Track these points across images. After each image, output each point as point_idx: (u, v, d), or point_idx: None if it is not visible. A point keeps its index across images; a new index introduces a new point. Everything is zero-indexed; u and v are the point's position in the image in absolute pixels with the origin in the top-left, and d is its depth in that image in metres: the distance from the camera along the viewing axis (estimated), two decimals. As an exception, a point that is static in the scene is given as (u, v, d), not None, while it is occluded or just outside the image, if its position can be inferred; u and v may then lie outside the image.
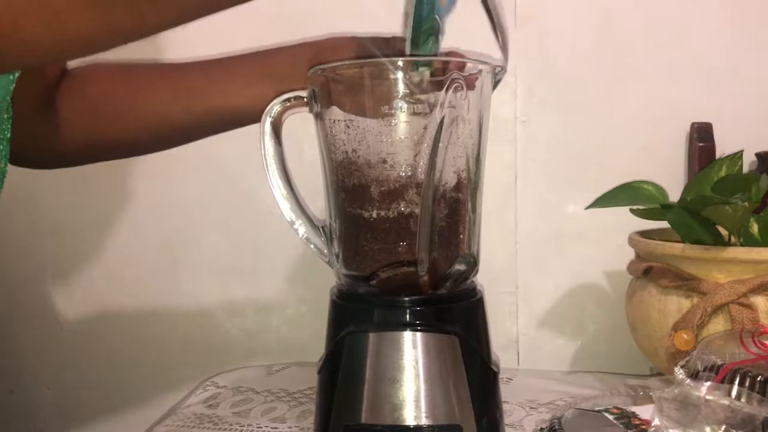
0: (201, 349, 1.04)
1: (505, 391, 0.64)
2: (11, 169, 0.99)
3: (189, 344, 1.04)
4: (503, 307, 0.95)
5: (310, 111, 0.58)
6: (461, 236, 0.56)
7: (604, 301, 0.94)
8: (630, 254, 0.81)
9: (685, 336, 0.67)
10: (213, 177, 0.99)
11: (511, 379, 0.87)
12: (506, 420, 0.67)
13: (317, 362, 0.59)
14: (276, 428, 0.74)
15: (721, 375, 0.52)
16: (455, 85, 0.52)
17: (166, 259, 1.02)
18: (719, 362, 0.56)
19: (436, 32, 0.56)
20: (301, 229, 0.58)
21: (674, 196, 0.79)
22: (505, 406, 0.72)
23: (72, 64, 0.70)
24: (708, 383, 0.48)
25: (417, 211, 0.54)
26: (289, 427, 0.74)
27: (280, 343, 1.03)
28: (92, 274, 1.04)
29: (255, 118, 0.61)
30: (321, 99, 0.57)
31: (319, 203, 0.60)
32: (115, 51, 0.66)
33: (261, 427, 0.74)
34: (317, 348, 0.60)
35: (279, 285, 1.02)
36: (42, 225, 1.05)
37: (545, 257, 0.95)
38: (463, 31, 0.60)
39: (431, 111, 0.53)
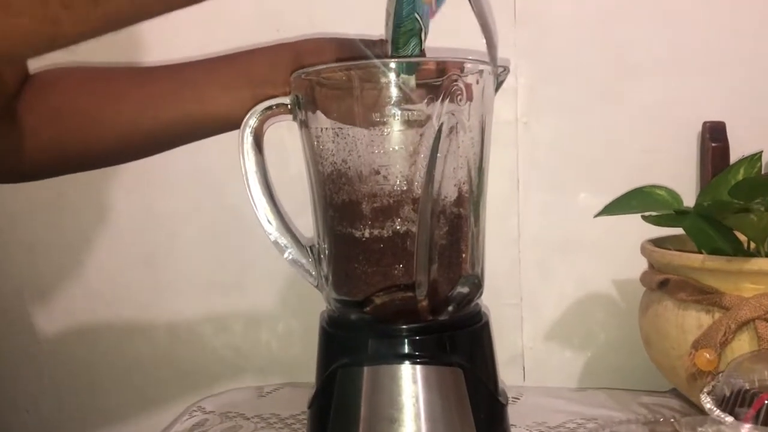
0: (187, 367, 0.98)
1: (512, 411, 0.58)
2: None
3: (174, 363, 0.99)
4: (507, 321, 0.90)
5: (294, 119, 0.53)
6: (463, 255, 0.51)
7: (613, 311, 0.88)
8: (641, 261, 0.76)
9: (708, 355, 0.61)
10: (196, 188, 0.94)
11: (517, 399, 0.82)
12: (515, 447, 0.62)
13: (309, 396, 0.53)
14: (266, 460, 0.69)
15: (756, 407, 0.46)
16: (454, 88, 0.47)
17: (148, 275, 0.97)
18: (748, 387, 0.51)
19: (418, 33, 0.50)
20: (286, 249, 0.52)
21: (686, 199, 0.74)
22: (513, 430, 0.67)
23: (35, 68, 0.65)
24: (748, 426, 0.43)
25: (414, 229, 0.48)
26: (280, 459, 0.69)
27: (271, 360, 0.98)
28: (72, 293, 0.99)
29: (232, 124, 0.56)
30: (306, 106, 0.51)
31: (305, 220, 0.55)
32: (84, 53, 0.61)
33: (250, 460, 0.69)
34: (310, 365, 0.55)
35: (268, 299, 0.96)
36: (17, 243, 0.99)
37: (550, 266, 0.89)
38: (458, 29, 0.55)
39: (428, 118, 0.47)
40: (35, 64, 0.66)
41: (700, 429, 0.44)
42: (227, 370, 0.98)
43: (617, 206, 0.74)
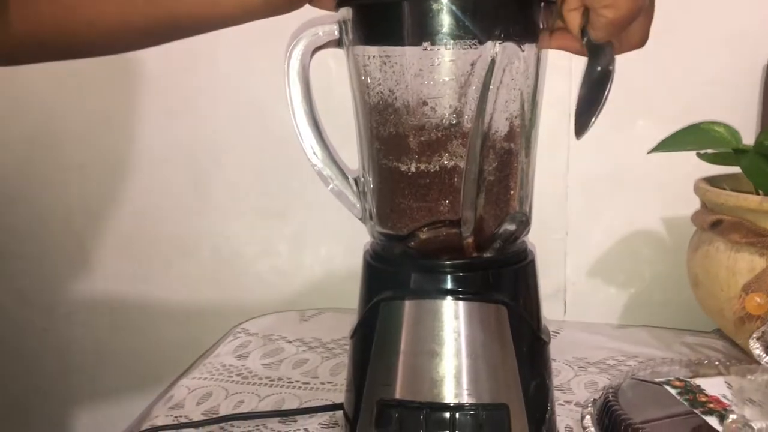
0: (231, 288, 1.01)
1: (552, 346, 0.58)
2: (35, 108, 0.94)
3: (219, 284, 1.01)
4: (551, 255, 0.89)
5: (340, 46, 0.51)
6: (512, 192, 0.49)
7: (660, 249, 0.87)
8: (691, 198, 0.74)
9: (758, 299, 0.60)
10: (241, 113, 0.94)
11: (557, 333, 0.81)
12: (553, 381, 0.62)
13: (351, 325, 0.54)
14: (307, 383, 0.70)
15: (809, 356, 0.45)
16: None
17: (193, 198, 0.98)
18: (800, 334, 0.49)
19: None
20: (331, 181, 0.52)
21: (746, 137, 0.71)
22: (552, 364, 0.66)
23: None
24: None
25: (462, 164, 0.47)
26: (321, 383, 0.70)
27: (314, 282, 0.99)
28: (120, 213, 1.01)
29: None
30: (352, 32, 0.49)
31: (349, 151, 0.54)
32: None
33: (292, 382, 0.71)
34: (352, 289, 0.55)
35: (311, 223, 0.97)
36: (68, 164, 1.01)
37: (598, 201, 0.88)
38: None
39: (481, 47, 0.45)
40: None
41: (750, 377, 0.43)
42: (271, 291, 0.99)
43: (672, 143, 0.72)
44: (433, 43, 0.46)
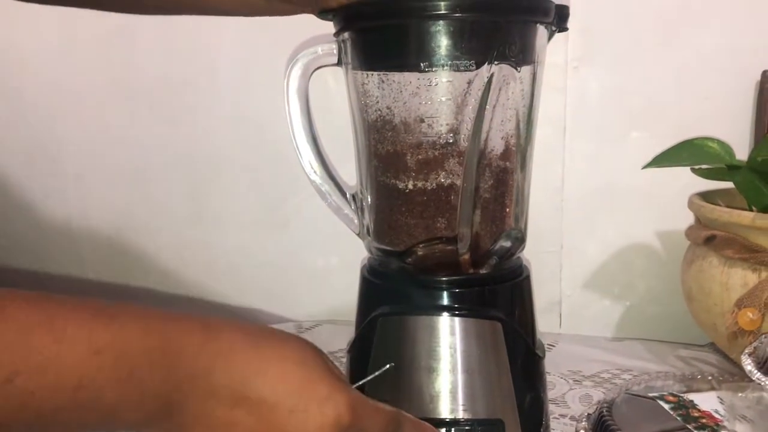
0: (228, 300, 1.01)
1: (547, 359, 0.59)
2: (34, 117, 0.95)
3: (216, 295, 1.01)
4: (546, 268, 0.89)
5: (339, 64, 0.52)
6: (507, 209, 0.50)
7: (655, 262, 0.87)
8: (686, 213, 0.74)
9: (751, 315, 0.61)
10: (240, 125, 0.94)
11: (553, 346, 0.82)
12: (548, 394, 0.63)
13: (348, 339, 0.54)
14: (304, 396, 0.71)
15: (800, 373, 0.46)
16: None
17: (192, 210, 0.99)
18: (791, 350, 0.50)
19: None
20: (329, 197, 0.52)
21: (738, 152, 0.72)
22: (547, 378, 0.67)
23: None
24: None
25: (458, 182, 0.48)
26: (318, 396, 0.70)
27: (311, 296, 1.00)
28: (117, 224, 1.01)
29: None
30: (351, 51, 0.50)
31: (348, 167, 0.54)
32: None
33: (288, 395, 0.71)
34: (349, 302, 0.55)
35: (308, 234, 0.97)
36: (65, 172, 1.02)
37: (593, 215, 0.88)
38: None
39: (477, 67, 0.46)
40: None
41: (740, 394, 0.44)
42: (267, 303, 1.00)
43: (666, 158, 0.73)
44: (430, 65, 0.46)
